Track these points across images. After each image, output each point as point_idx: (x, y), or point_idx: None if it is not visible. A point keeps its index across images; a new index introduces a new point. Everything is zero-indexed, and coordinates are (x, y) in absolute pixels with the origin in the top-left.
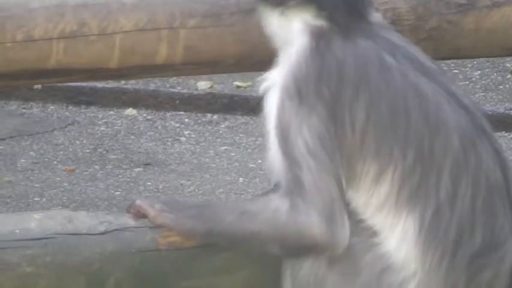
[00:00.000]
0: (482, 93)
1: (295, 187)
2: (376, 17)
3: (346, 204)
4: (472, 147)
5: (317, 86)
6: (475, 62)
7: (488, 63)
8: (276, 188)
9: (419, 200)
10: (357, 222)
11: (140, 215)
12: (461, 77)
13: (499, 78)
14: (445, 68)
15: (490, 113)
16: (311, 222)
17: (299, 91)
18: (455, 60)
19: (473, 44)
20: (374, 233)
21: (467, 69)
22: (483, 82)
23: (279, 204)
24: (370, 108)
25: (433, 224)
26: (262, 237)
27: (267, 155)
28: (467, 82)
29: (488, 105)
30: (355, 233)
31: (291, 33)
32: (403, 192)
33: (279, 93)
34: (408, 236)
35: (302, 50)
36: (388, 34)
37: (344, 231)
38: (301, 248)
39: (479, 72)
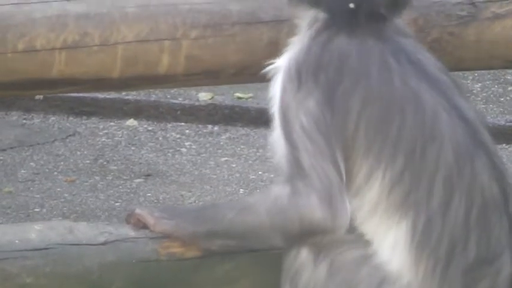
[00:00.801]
0: (483, 106)
1: (294, 170)
2: (397, 22)
3: (346, 188)
4: (467, 160)
5: (316, 71)
6: (476, 74)
7: (489, 76)
8: (275, 180)
9: (410, 207)
10: (352, 230)
11: (140, 224)
12: None
13: (500, 90)
14: None
15: (490, 125)
16: (312, 204)
17: (299, 75)
18: (456, 73)
19: (475, 55)
20: (367, 243)
21: (468, 81)
22: (484, 94)
23: (279, 191)
24: (364, 104)
25: (425, 233)
26: (264, 227)
27: (270, 137)
28: (468, 94)
29: (489, 117)
30: (351, 244)
31: (303, 25)
32: (393, 196)
33: (282, 76)
34: (400, 244)
35: (308, 39)
36: (400, 39)
37: (344, 213)
38: (303, 232)
39: (480, 84)
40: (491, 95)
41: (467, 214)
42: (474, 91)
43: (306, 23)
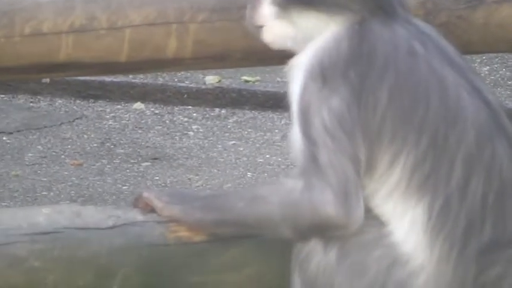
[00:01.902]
0: (491, 89)
1: (311, 165)
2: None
3: (362, 187)
4: (488, 143)
5: (345, 69)
6: (483, 58)
7: (497, 59)
8: (288, 174)
9: (429, 189)
10: (366, 212)
11: (148, 208)
12: None
13: (508, 73)
14: None
15: None
16: (325, 200)
17: (323, 73)
18: (463, 56)
19: (483, 39)
20: (382, 224)
21: (476, 64)
22: (492, 78)
23: (293, 184)
24: (392, 92)
25: (442, 214)
26: (275, 219)
27: (290, 135)
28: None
29: None
30: (366, 225)
31: (324, 25)
32: (414, 179)
33: (303, 75)
34: (417, 225)
35: (334, 35)
36: (420, 23)
37: (358, 211)
38: (315, 227)
39: (488, 67)
40: (499, 78)
41: (484, 196)
42: (482, 74)
43: (327, 21)
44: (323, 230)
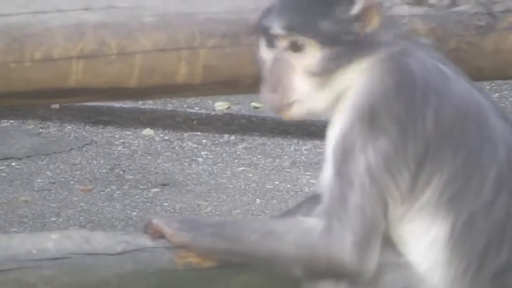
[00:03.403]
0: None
1: (337, 206)
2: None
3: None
4: None
5: (392, 105)
6: (493, 84)
7: (506, 86)
8: (305, 210)
9: (456, 206)
10: (384, 239)
11: (157, 234)
12: None
13: None
14: None
15: None
16: (343, 247)
17: (371, 112)
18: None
19: (493, 65)
20: (392, 247)
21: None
22: (502, 105)
23: (312, 224)
24: (437, 113)
25: (465, 230)
26: (287, 257)
27: (321, 178)
28: None
29: None
30: (382, 251)
31: (362, 68)
32: (444, 197)
33: (350, 115)
34: (438, 242)
35: (374, 73)
36: (431, 51)
37: (374, 259)
38: (328, 272)
39: (497, 94)
40: (509, 105)
41: (508, 215)
42: None
43: (364, 64)
44: (336, 275)
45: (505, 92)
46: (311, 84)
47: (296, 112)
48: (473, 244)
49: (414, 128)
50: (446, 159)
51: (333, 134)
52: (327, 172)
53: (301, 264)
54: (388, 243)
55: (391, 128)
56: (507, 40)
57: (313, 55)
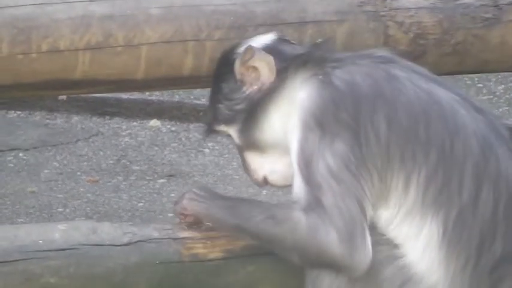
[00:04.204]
0: (506, 107)
1: (315, 207)
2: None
3: (370, 225)
4: (491, 150)
5: (336, 113)
6: (499, 76)
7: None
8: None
9: (443, 202)
10: (379, 236)
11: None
12: (485, 91)
13: None
14: (469, 82)
15: None
16: (330, 241)
17: (320, 123)
18: (479, 74)
19: (499, 58)
20: (396, 246)
21: (491, 83)
22: (507, 96)
23: (299, 217)
24: (389, 117)
25: (457, 228)
26: (285, 244)
27: (293, 189)
28: (491, 96)
29: None
30: (377, 247)
31: (294, 89)
32: (428, 195)
33: (300, 130)
34: (433, 241)
35: (310, 90)
36: (380, 51)
37: (364, 254)
38: (321, 263)
39: (503, 86)
40: None
41: (495, 206)
42: (497, 93)
43: (299, 78)
44: (329, 267)
45: (511, 84)
46: (261, 155)
47: (276, 183)
48: (467, 240)
49: (365, 133)
50: (418, 157)
51: (293, 149)
52: (297, 183)
53: (297, 253)
54: (388, 241)
55: (342, 133)
56: None
57: (235, 136)
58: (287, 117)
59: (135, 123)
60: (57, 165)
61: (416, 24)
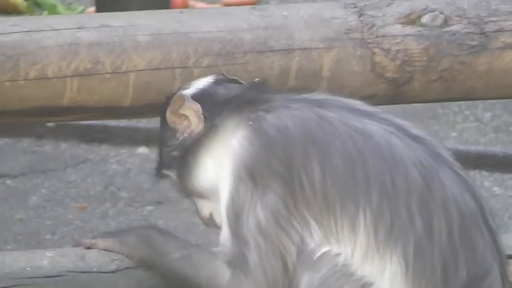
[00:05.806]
0: (493, 135)
1: (240, 263)
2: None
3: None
4: (434, 177)
5: (268, 163)
6: (486, 103)
7: (499, 104)
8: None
9: (398, 238)
10: (348, 277)
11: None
12: (472, 118)
13: (510, 119)
14: (456, 109)
15: (501, 154)
16: None
17: (251, 174)
18: (466, 101)
19: (486, 85)
20: (366, 284)
21: (478, 110)
22: (494, 123)
23: (222, 270)
24: (322, 163)
25: (418, 260)
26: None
27: (220, 238)
28: (478, 123)
29: (499, 146)
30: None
31: (226, 136)
32: (380, 233)
33: (231, 181)
34: (397, 278)
35: (241, 138)
36: (305, 94)
37: None
38: None
39: (490, 113)
40: (502, 124)
41: (450, 232)
42: (484, 120)
43: (231, 123)
44: None
45: (498, 111)
46: (203, 197)
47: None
48: (431, 270)
49: (299, 180)
50: (360, 202)
51: (223, 198)
52: (224, 234)
53: None
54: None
55: (274, 184)
56: (500, 60)
57: (176, 181)
58: (219, 164)
59: (123, 150)
60: (45, 192)
61: (403, 51)
